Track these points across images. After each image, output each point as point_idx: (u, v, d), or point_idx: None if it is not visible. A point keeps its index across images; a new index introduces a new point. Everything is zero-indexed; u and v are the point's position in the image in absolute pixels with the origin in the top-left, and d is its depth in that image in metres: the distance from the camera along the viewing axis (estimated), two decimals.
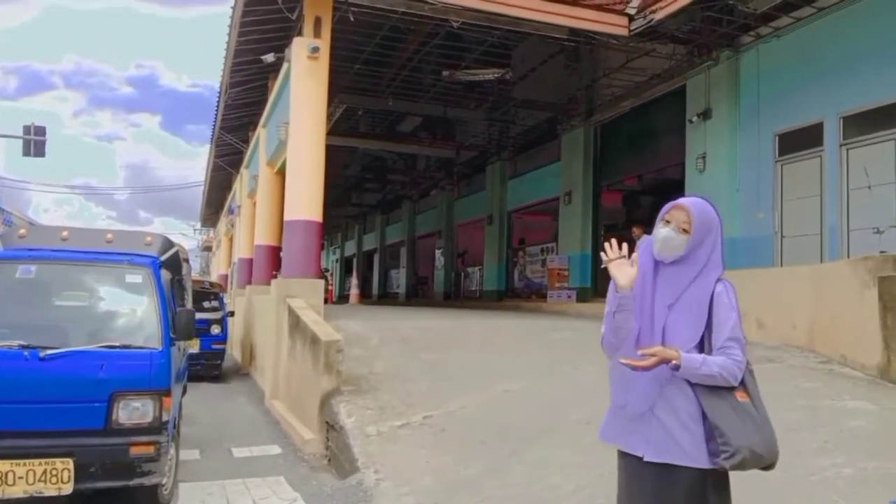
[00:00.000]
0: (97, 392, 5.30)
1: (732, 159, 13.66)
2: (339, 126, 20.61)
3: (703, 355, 2.75)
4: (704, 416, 2.73)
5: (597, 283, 18.17)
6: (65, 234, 6.57)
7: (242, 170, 23.09)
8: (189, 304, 8.32)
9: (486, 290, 25.10)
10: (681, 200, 2.94)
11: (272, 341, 11.61)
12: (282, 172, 14.15)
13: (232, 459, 8.00)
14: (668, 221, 2.90)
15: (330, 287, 31.72)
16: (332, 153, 14.31)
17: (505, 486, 5.55)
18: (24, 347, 5.28)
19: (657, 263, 2.94)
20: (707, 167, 14.12)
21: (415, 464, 6.21)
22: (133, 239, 6.77)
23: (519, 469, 5.83)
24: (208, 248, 59.71)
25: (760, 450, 2.68)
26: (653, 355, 2.70)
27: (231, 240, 30.14)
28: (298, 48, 11.71)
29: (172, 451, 6.04)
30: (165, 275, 6.53)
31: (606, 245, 2.88)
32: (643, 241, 3.07)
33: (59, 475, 5.10)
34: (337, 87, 16.02)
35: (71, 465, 5.13)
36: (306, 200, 11.77)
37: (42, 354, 5.24)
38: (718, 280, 2.88)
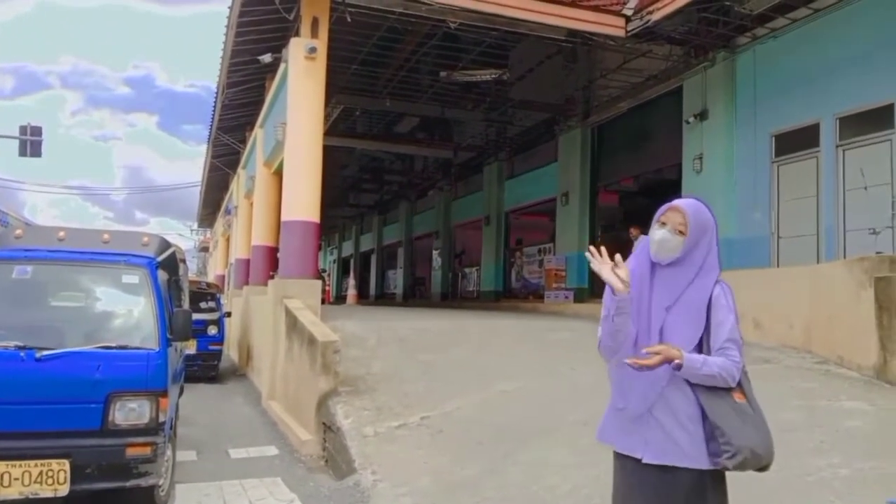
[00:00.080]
0: (94, 393, 5.29)
1: (729, 160, 13.68)
2: (337, 126, 20.60)
3: (703, 356, 2.76)
4: (703, 417, 2.74)
5: (594, 284, 18.15)
6: (61, 234, 6.56)
7: (239, 170, 23.09)
8: (186, 305, 8.30)
9: (484, 291, 25.09)
10: (676, 202, 2.94)
11: (269, 342, 11.60)
12: (279, 173, 14.16)
13: (229, 460, 7.99)
14: (663, 223, 2.90)
15: (327, 288, 31.73)
16: (329, 153, 14.30)
17: (502, 486, 5.55)
18: (20, 348, 5.26)
19: (654, 265, 2.94)
20: (704, 168, 14.13)
21: (412, 464, 6.20)
22: (130, 239, 6.76)
23: (516, 469, 5.83)
24: (205, 249, 59.64)
25: (760, 450, 2.69)
26: (657, 353, 2.70)
27: (228, 240, 30.15)
28: (295, 48, 11.71)
29: (169, 452, 6.04)
30: (162, 275, 6.52)
31: (587, 254, 2.87)
32: (640, 242, 3.07)
33: (55, 476, 5.09)
34: (334, 88, 16.01)
35: (67, 467, 5.11)
36: (303, 201, 11.76)
37: (38, 355, 5.22)
38: (716, 282, 2.89)
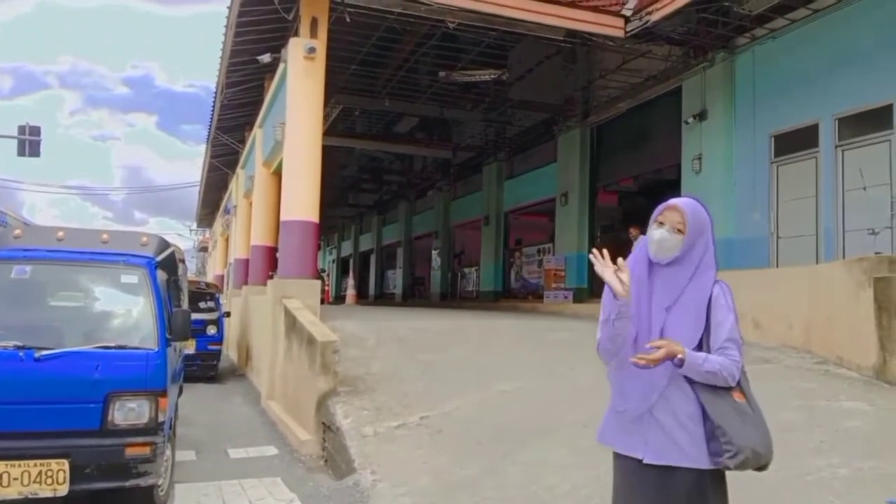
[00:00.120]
0: (93, 393, 5.28)
1: (728, 160, 13.69)
2: (336, 126, 20.60)
3: (704, 353, 2.76)
4: (704, 417, 2.74)
5: (593, 284, 18.16)
6: (60, 234, 6.55)
7: (238, 170, 23.07)
8: (185, 305, 8.29)
9: (483, 291, 25.10)
10: (673, 201, 2.94)
11: (268, 342, 11.60)
12: (278, 173, 14.16)
13: (228, 460, 7.98)
14: (661, 223, 2.90)
15: (326, 288, 31.71)
16: (328, 154, 14.30)
17: (501, 486, 5.55)
18: (19, 348, 5.26)
19: (651, 266, 2.94)
20: (703, 168, 14.14)
21: (411, 464, 6.20)
22: (129, 239, 6.75)
23: (515, 469, 5.83)
24: (204, 249, 59.59)
25: (760, 449, 2.70)
26: (659, 347, 2.69)
27: (227, 240, 30.13)
28: (295, 49, 11.71)
29: (168, 452, 6.03)
30: (161, 275, 6.51)
31: (591, 256, 2.87)
32: (640, 243, 3.07)
33: (54, 476, 5.09)
34: (333, 88, 16.01)
35: (66, 467, 5.11)
36: (303, 201, 11.75)
37: (37, 355, 5.22)
38: (715, 282, 2.89)
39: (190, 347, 12.64)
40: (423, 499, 5.50)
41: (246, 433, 9.51)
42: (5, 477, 5.01)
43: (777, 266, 12.40)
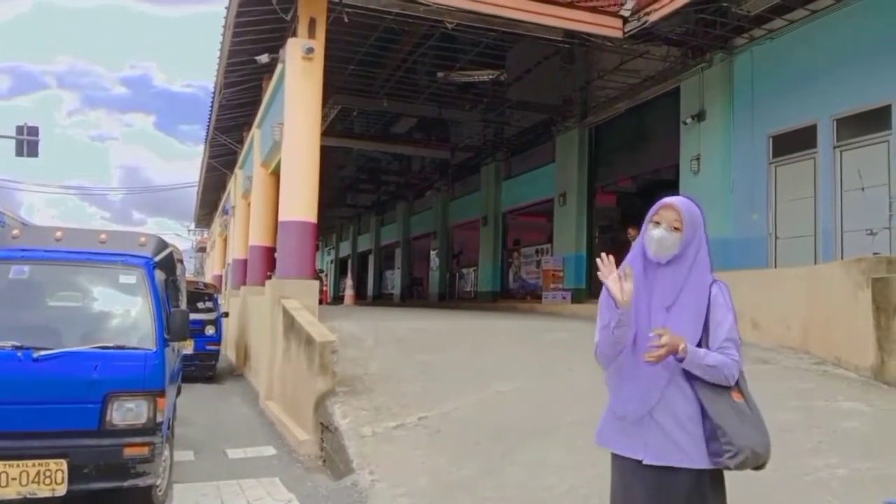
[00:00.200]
0: (91, 393, 5.28)
1: (726, 161, 13.70)
2: (334, 127, 20.59)
3: (704, 349, 2.76)
4: (703, 417, 2.74)
5: (591, 285, 18.17)
6: (58, 234, 6.54)
7: (237, 170, 23.06)
8: (183, 305, 8.28)
9: (481, 291, 25.10)
10: (668, 200, 2.95)
11: (267, 342, 11.59)
12: (276, 173, 14.15)
13: (226, 460, 7.98)
14: (658, 222, 2.90)
15: (325, 288, 31.70)
16: (326, 154, 14.29)
17: (500, 486, 5.55)
18: (17, 348, 5.25)
19: (646, 267, 2.93)
20: (701, 169, 14.15)
21: (410, 465, 6.20)
22: (127, 239, 6.75)
23: (514, 470, 5.83)
24: (202, 249, 59.55)
25: (759, 449, 2.70)
26: (661, 335, 2.68)
27: (225, 240, 30.11)
28: (293, 49, 11.71)
29: (167, 453, 6.02)
30: (160, 275, 6.51)
31: (599, 261, 2.85)
32: (638, 245, 3.06)
33: (52, 476, 5.08)
34: (331, 88, 16.00)
35: (65, 467, 5.10)
36: (301, 201, 11.75)
37: (35, 355, 5.21)
38: (714, 281, 2.89)
39: (188, 348, 12.65)
40: (422, 499, 5.50)
41: (244, 433, 9.51)
42: (3, 477, 5.00)
43: (775, 266, 12.41)
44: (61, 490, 5.12)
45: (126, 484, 5.34)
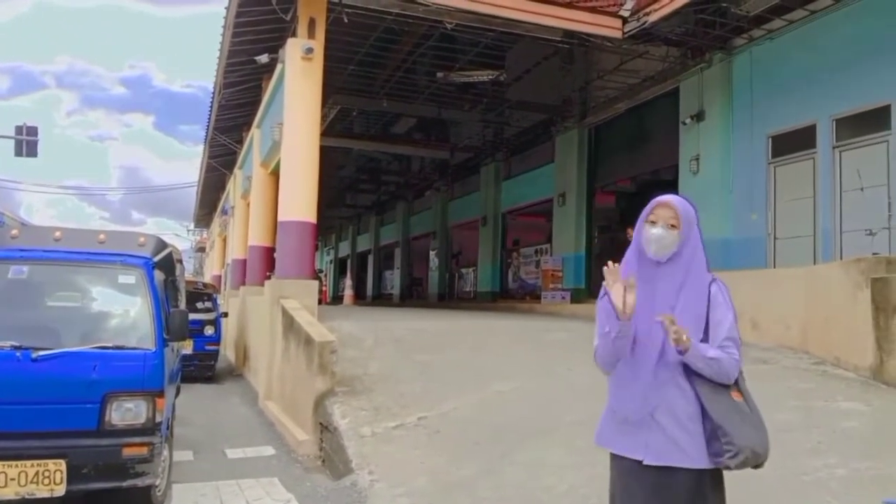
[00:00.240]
0: (90, 393, 5.27)
1: (726, 161, 13.70)
2: (334, 127, 20.60)
3: (705, 344, 2.76)
4: (703, 417, 2.74)
5: (590, 285, 18.20)
6: (57, 234, 6.53)
7: (236, 170, 23.06)
8: (182, 305, 8.29)
9: (481, 291, 25.11)
10: (662, 198, 2.94)
11: (266, 342, 11.59)
12: (276, 173, 14.14)
13: (225, 460, 7.98)
14: (654, 221, 2.89)
15: (324, 288, 31.69)
16: (326, 154, 14.28)
17: (499, 486, 5.55)
18: (16, 348, 5.24)
19: (643, 267, 2.92)
20: (700, 169, 14.15)
21: (409, 465, 6.20)
22: (126, 239, 6.74)
23: (513, 470, 5.83)
24: (202, 249, 59.53)
25: (759, 449, 2.70)
26: (672, 322, 2.68)
27: (225, 241, 30.10)
28: (292, 49, 11.71)
29: (166, 453, 6.02)
30: (159, 275, 6.51)
31: (606, 269, 2.84)
32: (632, 248, 3.04)
33: (51, 476, 5.08)
34: (331, 88, 16.00)
35: (63, 467, 5.10)
36: (300, 201, 11.75)
37: (34, 355, 5.21)
38: (713, 280, 2.89)
39: (187, 348, 12.65)
40: (421, 499, 5.50)
41: (243, 433, 9.51)
42: (2, 477, 5.00)
43: (774, 267, 12.41)
44: (60, 490, 5.11)
45: (125, 484, 5.33)
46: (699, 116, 14.20)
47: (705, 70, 14.15)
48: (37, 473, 5.06)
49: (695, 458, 2.73)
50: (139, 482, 5.39)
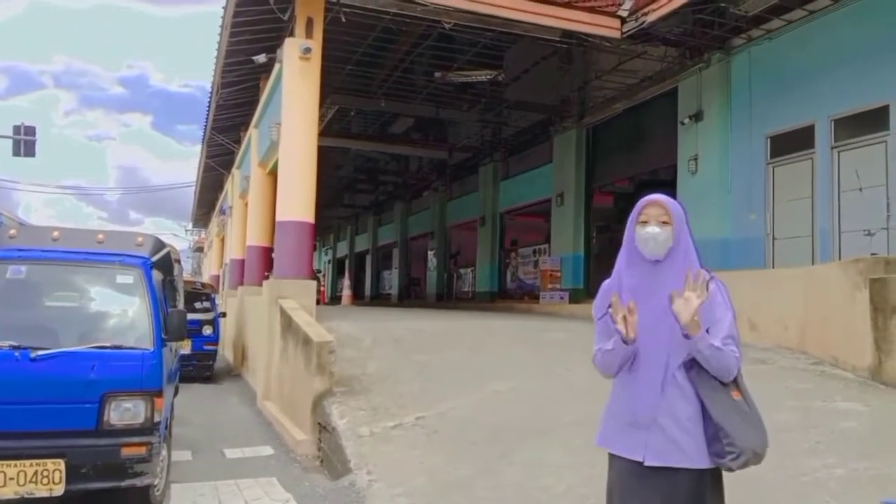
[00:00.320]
0: (88, 393, 5.27)
1: (724, 161, 13.71)
2: (332, 127, 20.60)
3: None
4: (704, 417, 2.73)
5: (589, 285, 18.22)
6: (55, 234, 6.52)
7: (234, 170, 23.05)
8: (181, 305, 8.28)
9: (479, 292, 25.12)
10: (649, 198, 2.92)
11: (264, 342, 11.58)
12: (274, 173, 14.13)
13: (224, 460, 7.97)
14: (645, 221, 2.89)
15: (322, 288, 31.67)
16: (324, 154, 14.28)
17: (497, 486, 5.55)
18: (14, 348, 5.24)
19: (636, 269, 2.92)
20: (699, 169, 14.16)
21: (407, 465, 6.20)
22: (124, 239, 6.73)
23: (511, 470, 5.83)
24: (200, 249, 59.52)
25: (760, 450, 2.70)
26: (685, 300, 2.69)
27: (223, 241, 30.08)
28: (290, 49, 11.70)
29: (164, 452, 6.01)
30: (157, 275, 6.50)
31: (614, 301, 2.82)
32: (623, 253, 3.04)
33: (50, 476, 5.07)
34: (329, 88, 16.00)
35: (62, 466, 5.10)
36: (298, 201, 11.74)
37: (33, 355, 5.21)
38: (711, 278, 2.88)
39: (186, 348, 12.64)
40: (420, 499, 5.50)
41: (242, 433, 9.50)
42: (1, 477, 5.00)
43: (773, 267, 12.42)
44: (59, 490, 5.11)
45: (123, 484, 5.33)
46: (698, 116, 14.21)
47: (704, 70, 14.16)
48: (35, 473, 5.06)
49: (695, 458, 2.72)
50: (138, 482, 5.39)
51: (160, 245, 7.00)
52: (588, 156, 19.23)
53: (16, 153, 24.56)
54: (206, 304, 15.43)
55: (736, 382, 2.79)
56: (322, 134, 14.12)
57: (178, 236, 64.64)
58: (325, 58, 12.26)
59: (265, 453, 8.31)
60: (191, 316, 9.31)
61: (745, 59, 13.40)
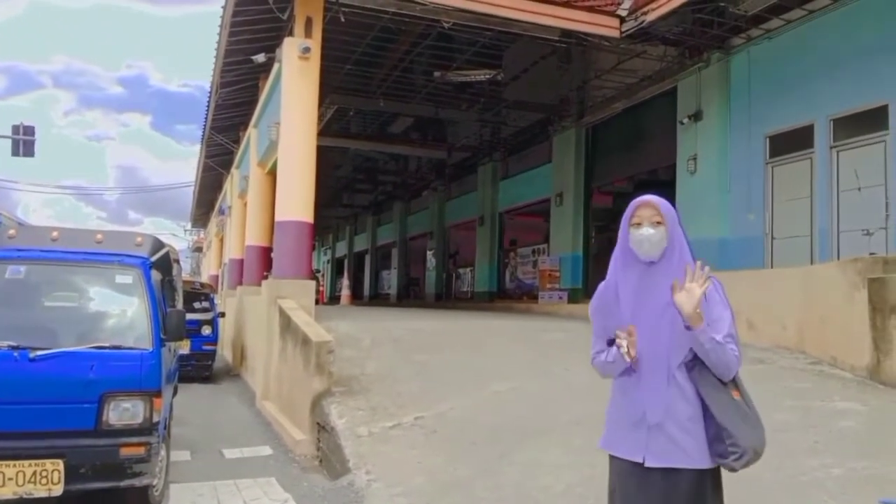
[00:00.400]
0: (87, 393, 5.27)
1: (723, 161, 13.70)
2: (331, 126, 20.59)
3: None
4: (705, 417, 2.73)
5: (588, 285, 18.21)
6: (54, 234, 6.52)
7: (233, 170, 23.04)
8: (180, 305, 8.27)
9: (478, 291, 25.12)
10: (640, 199, 2.93)
11: (263, 342, 11.58)
12: (273, 173, 14.13)
13: (223, 460, 7.98)
14: (638, 223, 2.89)
15: (321, 288, 31.66)
16: (323, 154, 14.28)
17: (496, 486, 5.55)
18: (13, 348, 5.24)
19: (631, 270, 2.92)
20: (698, 169, 14.16)
21: (406, 464, 6.20)
22: (123, 239, 6.73)
23: (510, 469, 5.83)
24: (199, 249, 59.52)
25: (760, 449, 2.71)
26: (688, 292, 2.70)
27: (222, 240, 30.07)
28: (289, 48, 11.70)
29: (163, 452, 6.01)
30: (156, 275, 6.50)
31: (620, 336, 2.83)
32: (616, 257, 3.04)
33: (49, 476, 5.08)
34: (328, 88, 15.99)
35: (61, 466, 5.10)
36: (297, 201, 11.74)
37: (32, 355, 5.21)
38: (708, 277, 2.87)
39: (185, 347, 12.64)
40: (419, 499, 5.50)
41: (241, 433, 9.50)
42: (0, 477, 5.00)
43: (772, 267, 12.42)
44: (58, 490, 5.11)
45: (122, 484, 5.34)
46: (697, 116, 14.21)
47: (703, 70, 14.16)
48: (34, 473, 5.06)
49: (696, 458, 2.73)
50: (136, 482, 5.40)
51: (159, 245, 7.00)
52: (587, 155, 19.23)
53: (15, 153, 24.57)
54: (205, 304, 15.43)
55: (735, 382, 2.80)
56: (321, 133, 14.12)
57: (177, 236, 64.74)
58: (325, 57, 12.26)
59: (264, 453, 8.32)
60: (190, 316, 9.31)
61: (745, 58, 13.40)
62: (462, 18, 12.43)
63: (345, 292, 30.91)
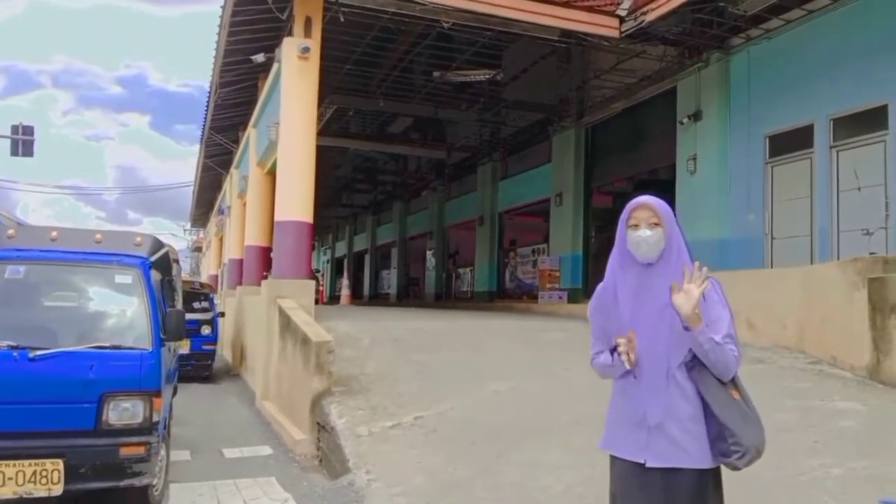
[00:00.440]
0: (87, 393, 5.27)
1: (723, 161, 13.70)
2: (330, 126, 20.59)
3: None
4: (706, 417, 2.74)
5: (587, 285, 18.20)
6: (54, 234, 6.51)
7: (232, 170, 23.03)
8: (179, 305, 8.28)
9: (478, 291, 25.12)
10: (637, 200, 2.93)
11: (263, 342, 11.58)
12: (272, 173, 14.13)
13: (223, 460, 7.98)
14: (635, 225, 2.89)
15: (321, 288, 31.65)
16: (322, 154, 14.28)
17: (496, 486, 5.55)
18: (13, 348, 5.24)
19: (630, 272, 2.92)
20: (697, 169, 14.16)
21: (406, 464, 6.20)
22: (122, 239, 6.72)
23: (510, 469, 5.83)
24: (198, 249, 59.51)
25: (761, 448, 2.72)
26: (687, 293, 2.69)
27: (221, 240, 30.07)
28: (289, 48, 11.69)
29: (163, 452, 6.02)
30: (155, 275, 6.50)
31: (620, 343, 2.83)
32: (613, 259, 3.04)
33: (48, 476, 5.08)
34: (327, 88, 15.99)
35: (61, 466, 5.10)
36: (297, 201, 11.74)
37: (31, 355, 5.21)
38: (706, 278, 2.87)
39: (184, 347, 12.64)
40: (418, 498, 5.50)
41: (240, 433, 9.51)
42: (0, 477, 5.00)
43: (771, 266, 12.42)
44: (58, 490, 5.12)
45: (122, 484, 5.34)
46: (696, 116, 14.21)
47: (702, 70, 14.16)
48: (34, 473, 5.06)
49: (697, 458, 2.73)
50: (136, 482, 5.40)
51: (158, 245, 7.00)
52: (587, 155, 19.22)
53: (14, 153, 24.54)
54: (205, 304, 15.44)
55: (734, 382, 2.80)
56: (320, 133, 14.12)
57: (176, 236, 64.70)
58: (324, 57, 12.25)
59: (264, 453, 8.32)
60: (189, 316, 9.31)
61: (744, 58, 13.40)
62: (462, 18, 12.43)
63: (344, 292, 30.90)
